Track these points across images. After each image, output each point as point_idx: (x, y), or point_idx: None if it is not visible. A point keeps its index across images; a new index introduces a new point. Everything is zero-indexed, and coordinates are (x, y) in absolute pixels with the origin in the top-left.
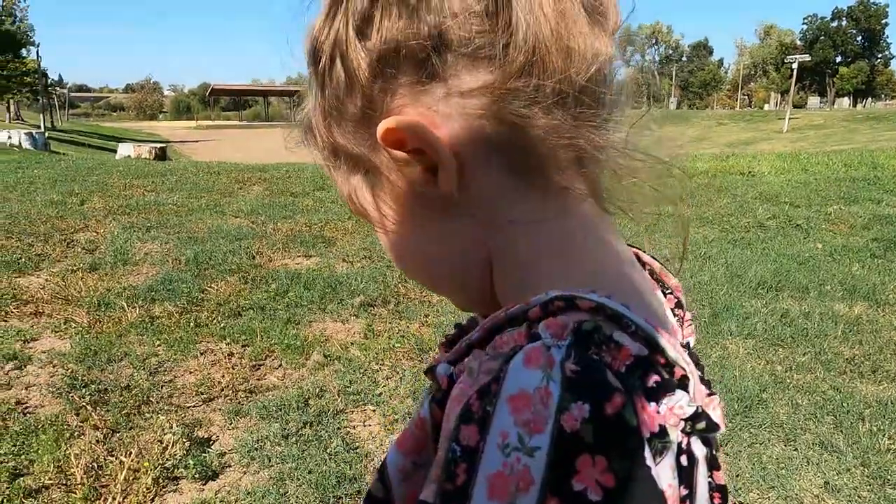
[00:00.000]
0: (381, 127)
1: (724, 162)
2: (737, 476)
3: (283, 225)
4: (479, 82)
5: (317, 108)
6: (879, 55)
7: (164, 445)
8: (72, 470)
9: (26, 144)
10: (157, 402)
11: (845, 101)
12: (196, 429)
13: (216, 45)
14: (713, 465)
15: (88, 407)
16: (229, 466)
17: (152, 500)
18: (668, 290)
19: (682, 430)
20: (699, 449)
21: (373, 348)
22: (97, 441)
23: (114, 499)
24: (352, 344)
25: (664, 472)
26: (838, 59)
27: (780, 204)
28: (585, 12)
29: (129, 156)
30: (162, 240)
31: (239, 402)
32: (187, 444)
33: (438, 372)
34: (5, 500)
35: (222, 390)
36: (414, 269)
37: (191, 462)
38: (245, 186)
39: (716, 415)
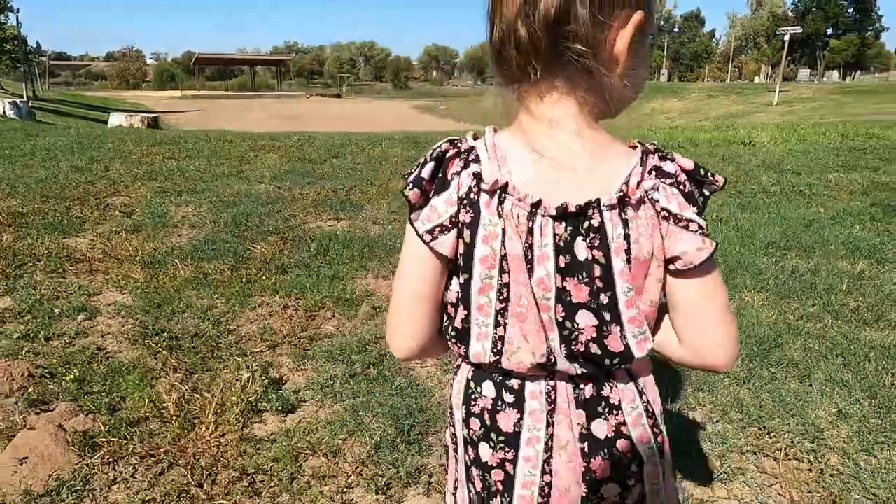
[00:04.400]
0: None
1: (725, 132)
2: (760, 407)
3: (309, 190)
4: None
5: None
6: (871, 27)
7: (242, 384)
8: (164, 404)
9: (10, 114)
10: (227, 348)
11: (835, 74)
12: (269, 370)
13: (199, 12)
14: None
15: (164, 352)
16: (305, 402)
17: (241, 428)
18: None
19: (472, 187)
20: (486, 202)
21: None
22: (180, 381)
23: (207, 427)
24: None
25: (442, 199)
26: (829, 31)
27: (782, 172)
28: None
29: (121, 125)
30: (195, 203)
31: (303, 348)
32: (265, 381)
33: None
34: (111, 429)
35: (284, 337)
36: None
37: (273, 397)
38: (261, 154)
39: (485, 172)
